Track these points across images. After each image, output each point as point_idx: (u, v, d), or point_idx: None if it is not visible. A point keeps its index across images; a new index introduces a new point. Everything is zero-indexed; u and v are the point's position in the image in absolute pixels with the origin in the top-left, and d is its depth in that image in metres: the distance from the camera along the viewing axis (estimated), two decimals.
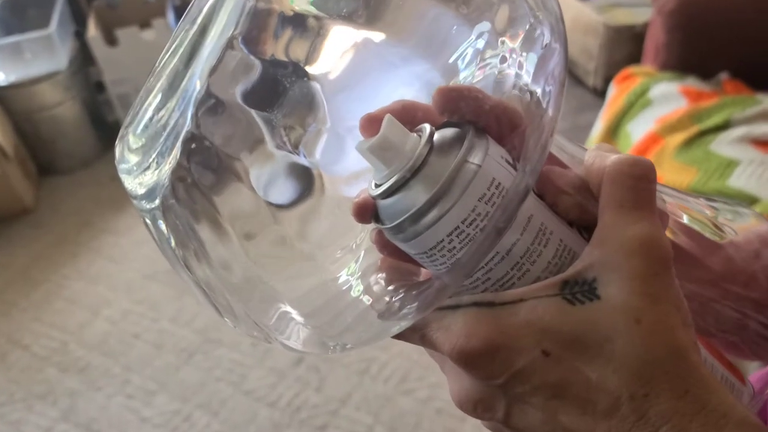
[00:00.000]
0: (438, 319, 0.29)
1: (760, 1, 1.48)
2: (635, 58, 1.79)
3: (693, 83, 1.49)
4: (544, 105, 0.29)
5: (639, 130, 1.43)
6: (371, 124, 0.30)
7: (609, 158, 0.30)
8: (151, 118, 0.32)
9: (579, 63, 2.20)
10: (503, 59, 0.30)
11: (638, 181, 0.30)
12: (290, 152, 0.31)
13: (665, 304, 0.28)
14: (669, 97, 1.46)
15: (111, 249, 1.98)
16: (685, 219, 0.37)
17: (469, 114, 0.29)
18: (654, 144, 1.38)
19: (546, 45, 0.30)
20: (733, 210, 0.41)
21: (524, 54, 0.30)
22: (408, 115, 0.30)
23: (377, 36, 0.32)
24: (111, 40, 2.22)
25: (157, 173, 0.30)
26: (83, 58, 2.28)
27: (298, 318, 0.33)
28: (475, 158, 0.28)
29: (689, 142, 1.34)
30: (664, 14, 1.54)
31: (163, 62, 0.35)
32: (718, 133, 1.34)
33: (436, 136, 0.29)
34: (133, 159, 0.32)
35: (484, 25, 0.31)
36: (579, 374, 0.27)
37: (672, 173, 1.30)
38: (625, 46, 2.00)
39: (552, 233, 0.30)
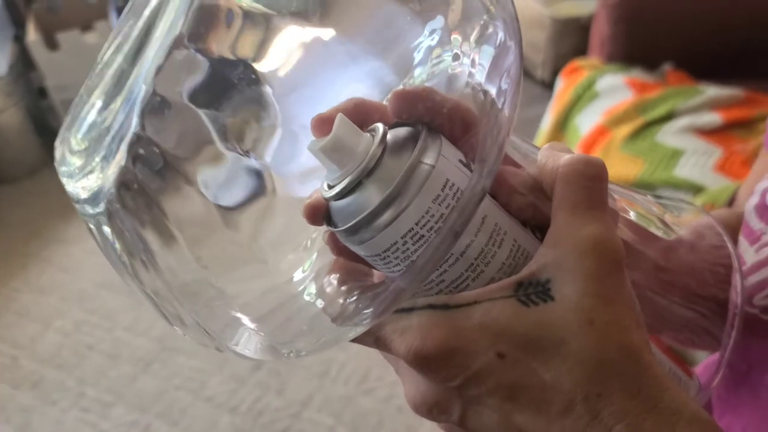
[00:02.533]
0: (393, 321, 0.29)
1: None
2: (581, 49, 1.81)
3: (638, 74, 1.52)
4: (500, 105, 0.29)
5: (586, 122, 1.45)
6: (323, 124, 0.29)
7: (562, 158, 0.30)
8: (94, 120, 0.31)
9: (527, 56, 2.22)
10: (456, 57, 0.30)
11: (591, 180, 0.30)
12: (239, 153, 0.31)
13: (618, 305, 0.28)
14: (615, 89, 1.48)
15: (62, 258, 1.93)
16: (632, 215, 0.37)
17: (425, 116, 0.29)
18: (601, 136, 1.40)
19: (500, 43, 0.30)
20: (677, 205, 0.42)
21: (478, 51, 0.30)
22: (360, 114, 0.30)
23: (327, 33, 0.32)
24: (52, 44, 2.16)
25: (102, 177, 0.29)
26: (24, 63, 2.22)
27: (249, 324, 0.32)
28: (429, 158, 0.28)
29: (635, 134, 1.37)
30: (608, 7, 1.56)
31: (105, 59, 0.34)
32: (663, 124, 1.37)
33: (389, 135, 0.29)
34: (76, 162, 0.31)
35: (437, 22, 0.30)
36: (534, 375, 0.27)
37: (620, 165, 1.32)
38: (572, 39, 2.03)
39: (506, 234, 0.30)
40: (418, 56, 0.30)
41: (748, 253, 0.42)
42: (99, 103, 0.31)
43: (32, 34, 2.17)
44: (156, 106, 0.29)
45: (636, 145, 1.35)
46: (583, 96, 1.51)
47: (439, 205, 0.28)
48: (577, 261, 0.28)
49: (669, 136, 1.35)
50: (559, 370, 0.27)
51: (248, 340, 0.32)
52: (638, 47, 1.56)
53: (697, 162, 1.29)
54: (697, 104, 1.39)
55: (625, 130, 1.38)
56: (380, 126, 0.29)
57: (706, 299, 0.39)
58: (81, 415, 1.52)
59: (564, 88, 1.58)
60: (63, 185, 0.32)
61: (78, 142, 0.32)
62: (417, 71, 0.30)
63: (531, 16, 2.10)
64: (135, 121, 0.29)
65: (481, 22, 0.30)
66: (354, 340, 0.30)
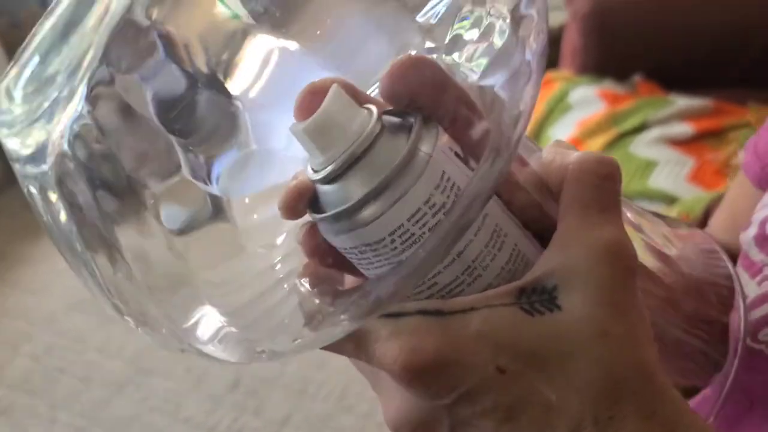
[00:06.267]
0: (378, 328, 0.26)
1: (668, 6, 1.54)
2: (552, 60, 1.82)
3: (610, 86, 1.53)
4: (520, 92, 0.26)
5: (560, 135, 1.46)
6: (313, 97, 0.26)
7: (571, 155, 0.28)
8: (44, 59, 0.26)
9: None
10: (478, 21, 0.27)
11: (604, 180, 0.27)
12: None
13: (632, 317, 0.26)
14: (588, 101, 1.49)
15: (29, 281, 1.88)
16: (645, 229, 0.35)
17: (428, 94, 0.26)
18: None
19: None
20: (665, 221, 0.41)
21: (479, 47, 0.27)
22: (350, 95, 0.26)
23: (305, 47, 0.29)
24: None
25: (49, 127, 0.24)
26: None
27: (221, 318, 0.28)
28: (425, 146, 0.25)
29: (610, 145, 1.38)
30: (578, 19, 1.58)
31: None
32: (635, 135, 1.38)
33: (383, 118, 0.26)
34: (17, 109, 0.26)
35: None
36: (537, 394, 0.25)
37: None
38: None
39: (507, 236, 0.27)
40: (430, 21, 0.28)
41: (750, 286, 0.41)
42: (51, 39, 0.26)
43: None
44: (126, 33, 0.24)
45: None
46: (556, 108, 1.52)
47: (438, 198, 0.25)
48: (589, 267, 0.25)
49: (642, 146, 1.36)
50: (566, 389, 0.25)
51: (218, 338, 0.28)
52: (609, 58, 1.57)
53: (671, 172, 1.30)
54: (668, 115, 1.41)
55: (600, 141, 1.39)
56: (372, 107, 0.26)
57: (710, 324, 0.37)
58: None
59: (537, 100, 1.59)
60: (27, 206, 0.27)
61: (22, 84, 0.26)
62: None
63: None
64: (99, 52, 0.24)
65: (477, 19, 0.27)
66: (331, 348, 0.27)
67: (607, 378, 0.25)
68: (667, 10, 1.54)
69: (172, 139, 0.26)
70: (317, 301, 0.28)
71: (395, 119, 0.26)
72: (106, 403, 1.55)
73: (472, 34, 0.28)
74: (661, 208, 1.24)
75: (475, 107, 0.26)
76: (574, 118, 1.47)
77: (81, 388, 1.59)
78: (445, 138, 0.26)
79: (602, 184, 0.27)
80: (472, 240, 0.26)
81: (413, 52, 0.27)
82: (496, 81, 0.27)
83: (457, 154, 0.26)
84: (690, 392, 0.51)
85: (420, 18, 0.28)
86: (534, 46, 0.26)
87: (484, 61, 0.27)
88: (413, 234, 0.25)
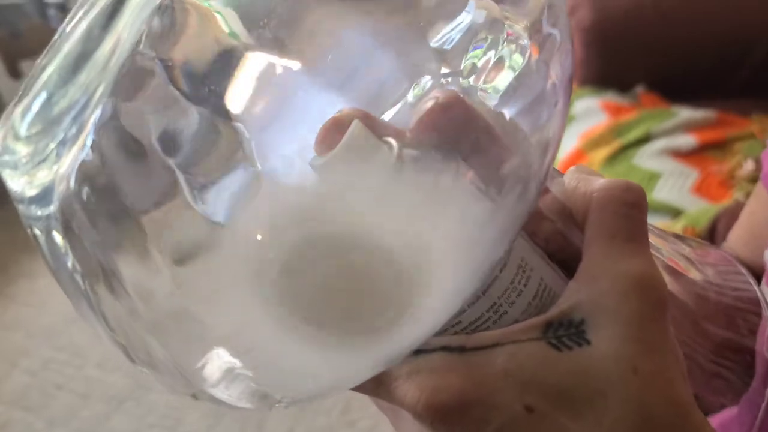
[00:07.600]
0: (398, 365, 0.25)
1: (670, 17, 1.54)
2: None
3: (612, 97, 1.53)
4: (545, 120, 0.25)
5: (563, 146, 1.46)
6: (336, 130, 0.24)
7: (596, 182, 0.27)
8: (51, 97, 0.25)
9: None
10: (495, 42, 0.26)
11: (631, 208, 0.26)
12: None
13: (663, 353, 0.25)
14: (590, 113, 1.49)
15: (27, 294, 1.87)
16: (665, 252, 0.34)
17: (453, 137, 0.24)
18: (579, 160, 1.40)
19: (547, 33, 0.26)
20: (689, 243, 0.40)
21: (497, 69, 0.26)
22: (371, 128, 0.25)
23: (311, 67, 0.27)
24: (15, 73, 2.12)
25: (56, 168, 0.24)
26: None
27: (233, 360, 0.27)
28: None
29: (613, 157, 1.37)
30: (580, 30, 1.57)
31: (67, 30, 0.29)
32: (639, 147, 1.38)
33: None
34: (23, 149, 0.25)
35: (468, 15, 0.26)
36: None
37: None
38: None
39: (533, 270, 0.26)
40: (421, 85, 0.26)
41: None
42: (58, 77, 0.26)
43: None
44: (136, 76, 0.24)
45: (614, 169, 1.35)
46: None
47: None
48: (617, 300, 0.25)
49: (645, 158, 1.35)
50: (596, 428, 0.24)
51: (231, 383, 0.27)
52: (611, 70, 1.57)
53: (675, 184, 1.29)
54: (671, 126, 1.40)
55: (603, 153, 1.38)
56: (393, 141, 0.25)
57: (738, 352, 0.37)
58: None
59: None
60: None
61: (27, 123, 0.26)
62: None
63: None
64: (108, 90, 0.23)
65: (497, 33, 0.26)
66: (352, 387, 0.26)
67: (639, 416, 0.24)
68: (669, 22, 1.54)
69: (175, 166, 0.26)
70: None
71: (415, 152, 0.26)
72: (105, 419, 1.53)
73: (489, 59, 0.27)
74: (666, 221, 1.23)
75: (497, 138, 0.26)
76: (578, 129, 1.47)
77: (79, 404, 1.57)
78: (465, 172, 0.25)
79: (629, 213, 0.27)
80: (497, 276, 0.25)
81: (428, 78, 0.26)
82: (517, 108, 0.26)
83: (479, 189, 0.25)
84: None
85: (434, 44, 0.27)
86: (558, 68, 0.25)
87: (503, 87, 0.26)
88: None
